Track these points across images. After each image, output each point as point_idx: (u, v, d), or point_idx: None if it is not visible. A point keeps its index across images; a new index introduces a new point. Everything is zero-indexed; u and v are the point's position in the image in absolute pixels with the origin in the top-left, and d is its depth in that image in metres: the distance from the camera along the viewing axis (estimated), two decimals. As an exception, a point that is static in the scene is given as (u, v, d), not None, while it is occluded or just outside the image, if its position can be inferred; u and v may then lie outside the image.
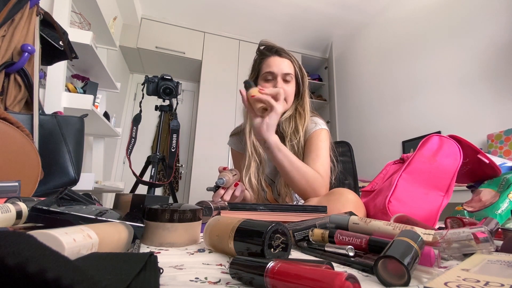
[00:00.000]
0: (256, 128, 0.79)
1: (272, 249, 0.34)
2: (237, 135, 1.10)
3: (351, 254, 0.36)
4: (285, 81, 0.95)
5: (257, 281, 0.26)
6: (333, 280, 0.21)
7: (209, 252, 0.41)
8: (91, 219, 0.40)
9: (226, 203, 0.70)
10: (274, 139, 0.78)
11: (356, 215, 0.50)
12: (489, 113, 1.78)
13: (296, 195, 0.95)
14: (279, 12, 2.97)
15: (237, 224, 0.38)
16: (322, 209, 0.60)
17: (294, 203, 0.95)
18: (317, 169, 0.84)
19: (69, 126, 0.94)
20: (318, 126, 0.95)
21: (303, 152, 0.94)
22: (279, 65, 0.94)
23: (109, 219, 0.41)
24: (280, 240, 0.35)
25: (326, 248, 0.40)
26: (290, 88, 0.96)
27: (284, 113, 0.97)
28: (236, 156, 1.12)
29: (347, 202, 0.65)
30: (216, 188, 0.78)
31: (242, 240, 0.36)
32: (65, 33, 1.09)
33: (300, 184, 0.79)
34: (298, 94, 1.01)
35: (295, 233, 0.46)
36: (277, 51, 0.97)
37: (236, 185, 0.80)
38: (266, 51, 0.99)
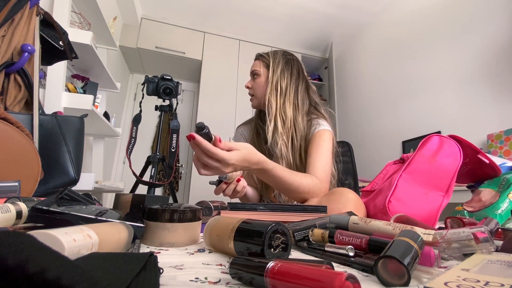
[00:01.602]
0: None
1: (272, 249, 0.34)
2: (243, 125, 1.15)
3: (351, 254, 0.36)
4: (253, 78, 1.04)
5: (257, 281, 0.26)
6: (333, 280, 0.21)
7: (209, 252, 0.41)
8: (91, 219, 0.40)
9: (226, 203, 0.70)
10: (255, 167, 0.69)
11: (356, 215, 0.50)
12: (489, 113, 1.78)
13: None
14: (279, 12, 2.97)
15: (237, 224, 0.38)
16: (322, 209, 0.60)
17: (295, 202, 0.96)
18: (316, 172, 0.84)
19: (69, 126, 0.94)
20: (322, 127, 0.95)
21: (304, 145, 0.94)
22: (251, 68, 1.06)
23: (109, 219, 0.41)
24: (280, 240, 0.35)
25: (326, 248, 0.40)
26: (256, 82, 1.02)
27: (266, 113, 0.98)
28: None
29: (348, 202, 0.65)
30: (219, 182, 0.77)
31: (242, 240, 0.36)
32: (65, 33, 1.09)
33: (298, 196, 0.80)
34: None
35: (295, 233, 0.46)
36: (255, 57, 1.08)
37: (238, 180, 0.79)
38: None
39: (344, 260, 0.36)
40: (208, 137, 0.59)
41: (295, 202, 0.94)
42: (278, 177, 0.74)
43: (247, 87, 1.05)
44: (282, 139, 0.91)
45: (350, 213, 0.54)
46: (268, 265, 0.26)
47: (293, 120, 0.95)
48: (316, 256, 0.40)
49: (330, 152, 0.91)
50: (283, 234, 0.36)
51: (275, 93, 0.97)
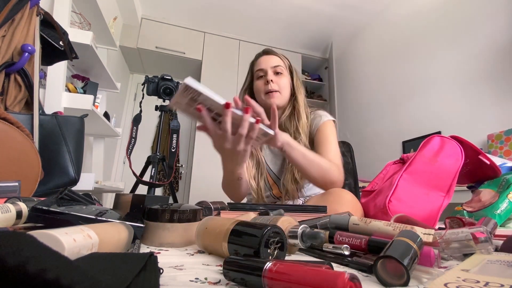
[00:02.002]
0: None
1: (268, 250, 0.34)
2: None
3: (347, 253, 0.36)
4: (276, 73, 0.98)
5: (253, 282, 0.26)
6: (336, 280, 0.21)
7: (209, 253, 0.41)
8: (91, 219, 0.40)
9: (226, 203, 0.70)
10: (285, 138, 0.73)
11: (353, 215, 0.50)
12: (489, 113, 1.78)
13: (303, 190, 0.95)
14: (279, 12, 2.97)
15: (232, 226, 0.37)
16: (322, 209, 0.60)
17: (301, 199, 0.96)
18: (330, 160, 0.85)
19: (69, 126, 0.94)
20: (325, 118, 0.98)
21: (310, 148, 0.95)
22: (267, 61, 1.00)
23: (109, 219, 0.41)
24: (276, 242, 0.35)
25: (323, 248, 0.40)
26: (283, 81, 0.98)
27: (284, 111, 0.99)
28: None
29: (345, 203, 0.66)
30: None
31: (237, 241, 0.36)
32: (65, 33, 1.09)
33: (316, 176, 0.79)
34: (292, 91, 1.03)
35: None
36: (265, 51, 1.04)
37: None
38: (257, 55, 1.06)
39: (342, 260, 0.36)
40: None
41: (303, 199, 0.94)
42: (301, 149, 0.76)
43: (272, 81, 0.96)
44: (300, 136, 0.94)
45: (349, 214, 0.54)
46: (265, 266, 0.26)
47: (306, 114, 0.99)
48: (314, 257, 0.40)
49: (336, 141, 0.95)
50: (277, 234, 0.35)
51: (301, 91, 1.01)
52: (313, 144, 0.96)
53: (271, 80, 0.96)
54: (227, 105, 0.54)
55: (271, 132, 0.63)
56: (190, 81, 0.50)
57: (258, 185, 0.97)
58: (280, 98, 0.97)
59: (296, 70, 1.05)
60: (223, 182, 0.90)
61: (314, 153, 0.81)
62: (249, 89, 1.05)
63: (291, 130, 0.95)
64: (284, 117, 0.98)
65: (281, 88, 0.97)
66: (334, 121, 1.01)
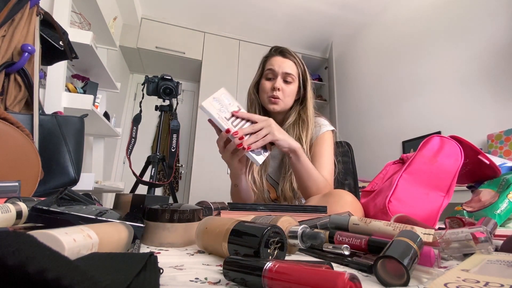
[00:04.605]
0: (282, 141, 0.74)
1: (268, 250, 0.34)
2: None
3: (347, 253, 0.36)
4: (286, 81, 0.94)
5: (253, 282, 0.26)
6: (336, 280, 0.21)
7: (209, 253, 0.41)
8: (91, 219, 0.40)
9: (226, 203, 0.70)
10: (294, 146, 0.76)
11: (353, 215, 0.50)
12: (489, 113, 1.78)
13: (301, 198, 0.95)
14: (279, 12, 2.97)
15: (232, 226, 0.37)
16: (322, 209, 0.60)
17: (296, 202, 0.95)
18: (324, 175, 0.86)
19: (69, 126, 0.94)
20: (324, 128, 0.96)
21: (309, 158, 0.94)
22: (281, 64, 0.94)
23: (109, 219, 0.41)
24: (276, 242, 0.35)
25: (323, 248, 0.40)
26: (290, 88, 0.95)
27: (287, 119, 0.97)
28: None
29: (345, 204, 0.65)
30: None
31: (237, 241, 0.36)
32: (65, 33, 1.09)
33: (309, 190, 0.81)
34: (301, 99, 0.99)
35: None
36: (281, 51, 0.98)
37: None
38: (272, 51, 1.01)
39: (342, 260, 0.36)
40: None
41: (296, 202, 0.94)
42: (306, 162, 0.79)
43: (279, 89, 0.93)
44: (303, 147, 0.90)
45: (349, 214, 0.54)
46: (265, 266, 0.26)
47: (313, 124, 0.96)
48: (314, 257, 0.40)
49: (332, 154, 0.94)
50: (277, 234, 0.35)
51: (312, 100, 0.98)
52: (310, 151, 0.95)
53: (278, 89, 0.93)
54: (227, 131, 0.68)
55: (258, 161, 0.70)
56: (206, 104, 0.65)
57: (261, 184, 0.97)
58: (282, 105, 0.95)
59: (308, 76, 0.99)
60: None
61: (314, 168, 0.82)
62: (257, 84, 1.02)
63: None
64: (288, 124, 0.95)
65: (285, 96, 0.94)
66: (333, 131, 0.98)
